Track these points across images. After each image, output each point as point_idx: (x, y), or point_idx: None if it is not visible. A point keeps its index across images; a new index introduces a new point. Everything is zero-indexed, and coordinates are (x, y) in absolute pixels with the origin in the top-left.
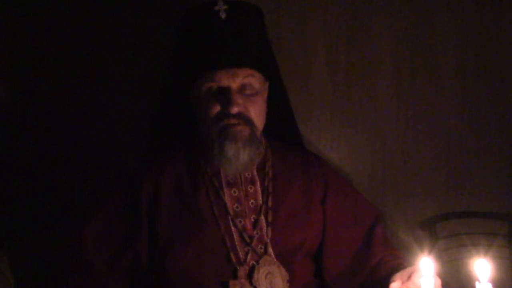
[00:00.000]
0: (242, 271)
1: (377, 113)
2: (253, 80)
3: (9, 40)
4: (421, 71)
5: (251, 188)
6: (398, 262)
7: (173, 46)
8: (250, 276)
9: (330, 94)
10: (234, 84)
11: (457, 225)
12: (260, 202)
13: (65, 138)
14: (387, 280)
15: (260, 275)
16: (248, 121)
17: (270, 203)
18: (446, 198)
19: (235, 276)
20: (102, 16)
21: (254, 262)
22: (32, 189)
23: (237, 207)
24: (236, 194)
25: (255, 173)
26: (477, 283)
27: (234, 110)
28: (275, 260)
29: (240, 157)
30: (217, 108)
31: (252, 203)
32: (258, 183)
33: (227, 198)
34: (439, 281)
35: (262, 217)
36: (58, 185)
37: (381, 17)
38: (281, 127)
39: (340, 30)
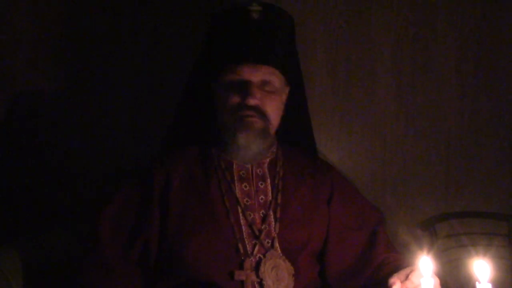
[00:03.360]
0: (248, 263)
1: (377, 113)
2: (274, 78)
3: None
4: (421, 70)
5: (261, 184)
6: (399, 264)
7: (204, 40)
8: (256, 268)
9: (330, 94)
10: (255, 78)
11: (456, 225)
12: (270, 198)
13: (66, 138)
14: (387, 281)
15: (266, 268)
16: (263, 116)
17: (279, 200)
18: (446, 198)
19: (241, 267)
20: (103, 16)
21: (261, 255)
22: (31, 189)
23: (247, 201)
24: (247, 188)
25: (266, 171)
26: (477, 283)
27: (251, 102)
28: (281, 254)
29: (250, 148)
30: (236, 99)
31: (261, 198)
32: (268, 180)
33: (238, 192)
34: (437, 281)
35: (271, 213)
36: (58, 185)
37: (381, 17)
38: (297, 134)
39: (340, 30)
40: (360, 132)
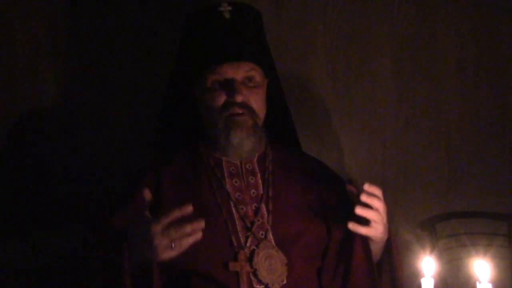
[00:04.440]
0: (242, 255)
1: (377, 113)
2: (255, 73)
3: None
4: (421, 71)
5: (252, 179)
6: None
7: (179, 45)
8: (250, 259)
9: (330, 94)
10: (238, 76)
11: (457, 225)
12: (261, 191)
13: (65, 138)
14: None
15: (260, 258)
16: (251, 111)
17: (270, 193)
18: (446, 198)
19: (235, 259)
20: (103, 16)
21: (254, 247)
22: (31, 189)
23: (238, 196)
24: (237, 184)
25: (255, 166)
26: (477, 283)
27: (239, 98)
28: (274, 244)
29: (244, 145)
30: (222, 98)
31: (253, 192)
32: (258, 175)
33: (229, 187)
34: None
35: (263, 205)
36: (58, 185)
37: (381, 17)
38: (279, 126)
39: (340, 30)
40: (360, 132)
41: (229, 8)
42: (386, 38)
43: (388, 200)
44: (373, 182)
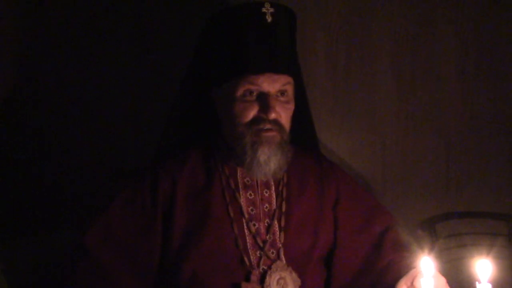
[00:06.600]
0: (254, 275)
1: (377, 113)
2: (289, 87)
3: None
4: (421, 71)
5: (266, 192)
6: (404, 266)
7: (202, 40)
8: (262, 280)
9: (330, 94)
10: (273, 89)
11: (457, 225)
12: (274, 206)
13: (66, 138)
14: (393, 285)
15: (272, 280)
16: (281, 128)
17: (283, 208)
18: (446, 198)
19: (247, 279)
20: (103, 15)
21: (266, 267)
22: (31, 189)
23: (252, 210)
24: (252, 197)
25: (270, 178)
26: (477, 283)
27: (272, 116)
28: (286, 266)
29: (271, 163)
30: (254, 112)
31: (266, 207)
32: (273, 188)
33: (242, 200)
34: (443, 280)
35: (276, 222)
36: (58, 185)
37: (381, 17)
38: (300, 135)
39: (340, 30)
40: (360, 132)
41: (272, 10)
42: (386, 38)
43: (388, 200)
44: (373, 182)
